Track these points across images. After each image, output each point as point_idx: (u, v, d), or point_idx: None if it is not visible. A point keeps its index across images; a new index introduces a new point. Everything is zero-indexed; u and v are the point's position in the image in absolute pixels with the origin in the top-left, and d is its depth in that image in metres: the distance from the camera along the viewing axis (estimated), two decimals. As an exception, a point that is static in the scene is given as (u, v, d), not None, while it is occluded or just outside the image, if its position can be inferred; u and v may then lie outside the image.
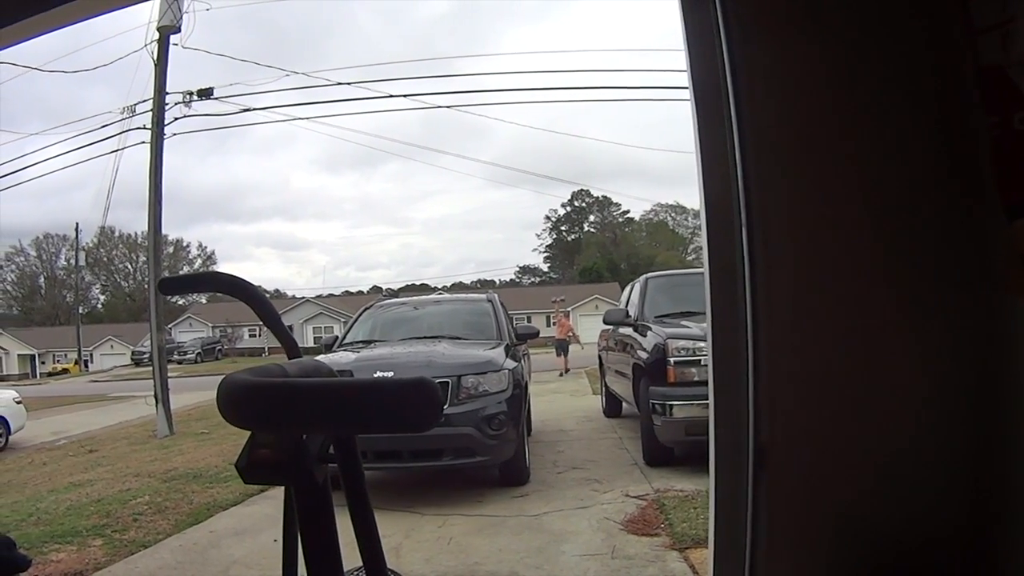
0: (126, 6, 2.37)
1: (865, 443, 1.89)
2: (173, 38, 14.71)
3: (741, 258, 1.90)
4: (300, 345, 1.69)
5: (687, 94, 2.06)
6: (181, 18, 14.71)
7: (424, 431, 1.11)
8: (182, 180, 71.44)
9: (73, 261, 55.84)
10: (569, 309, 24.13)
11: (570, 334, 24.85)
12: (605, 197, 71.34)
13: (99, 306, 63.74)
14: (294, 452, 1.23)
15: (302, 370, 1.39)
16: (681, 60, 2.08)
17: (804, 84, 1.90)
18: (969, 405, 1.87)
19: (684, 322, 7.84)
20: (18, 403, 14.35)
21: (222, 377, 1.20)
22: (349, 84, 19.61)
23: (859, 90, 1.88)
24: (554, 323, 25.64)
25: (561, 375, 21.73)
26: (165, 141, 15.03)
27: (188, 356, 43.45)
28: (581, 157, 77.40)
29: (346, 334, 9.00)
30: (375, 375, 5.97)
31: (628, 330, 8.90)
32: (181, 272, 49.60)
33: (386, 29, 73.79)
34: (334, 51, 73.51)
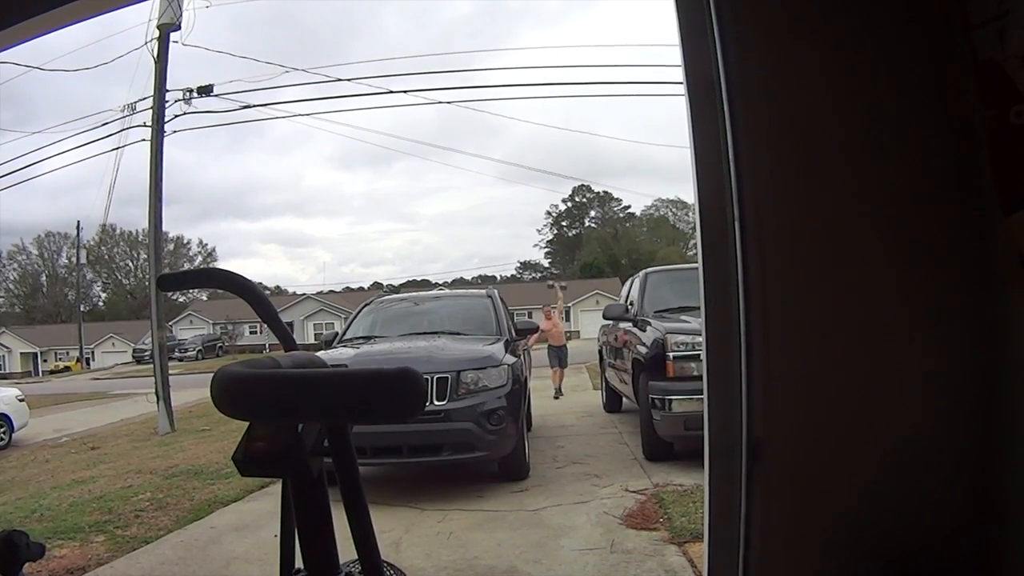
0: (125, 5, 2.39)
1: (860, 440, 1.89)
2: (174, 35, 14.72)
3: (735, 254, 1.91)
4: (301, 342, 1.70)
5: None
6: (181, 16, 14.70)
7: (408, 420, 1.14)
8: (198, 177, 72.89)
9: (74, 259, 55.78)
10: (556, 306, 15.21)
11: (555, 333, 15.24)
12: (606, 192, 71.31)
13: (100, 304, 63.62)
14: (289, 445, 1.26)
15: (294, 363, 1.41)
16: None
17: (798, 80, 1.90)
18: (968, 401, 1.87)
19: (683, 317, 7.86)
20: (21, 401, 14.38)
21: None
22: (349, 80, 19.42)
23: (854, 85, 1.89)
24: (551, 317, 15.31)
25: (558, 397, 14.53)
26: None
27: (189, 353, 43.37)
28: (591, 154, 77.98)
29: (346, 330, 9.00)
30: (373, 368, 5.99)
31: (628, 325, 8.89)
32: (181, 269, 49.60)
33: (410, 30, 73.84)
34: (359, 52, 74.34)
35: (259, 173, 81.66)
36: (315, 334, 41.07)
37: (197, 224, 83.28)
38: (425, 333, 8.48)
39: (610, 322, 10.09)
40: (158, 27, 14.43)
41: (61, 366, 47.70)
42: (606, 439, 9.38)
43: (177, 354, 39.83)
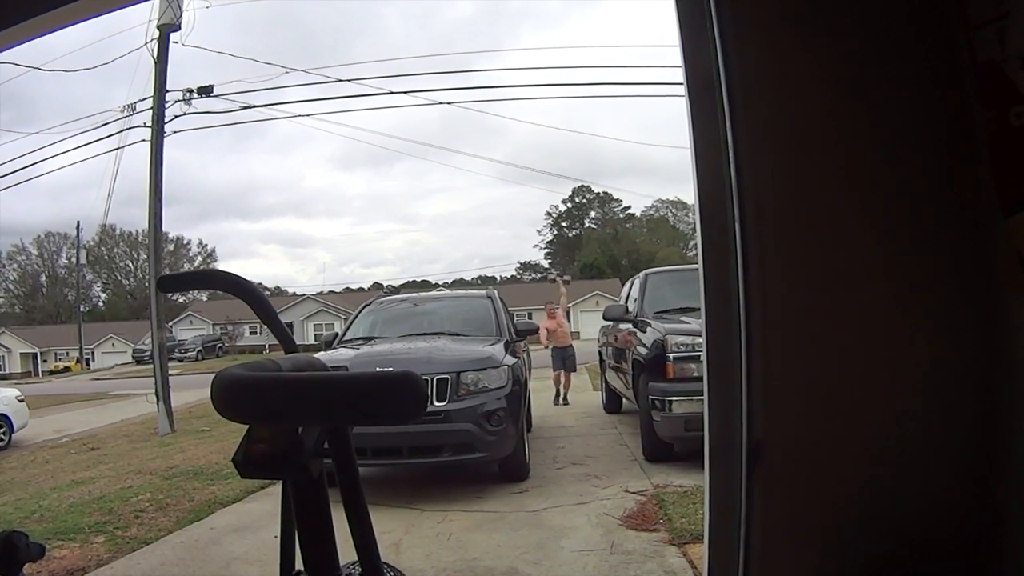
0: (126, 6, 2.39)
1: (860, 440, 1.89)
2: (174, 36, 14.72)
3: (735, 254, 1.91)
4: (301, 342, 1.70)
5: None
6: (181, 16, 14.70)
7: (409, 423, 1.14)
8: (199, 177, 72.85)
9: (74, 259, 55.72)
10: (560, 303, 14.74)
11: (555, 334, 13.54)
12: (606, 193, 71.25)
13: (100, 304, 63.54)
14: (290, 446, 1.26)
15: (295, 365, 1.40)
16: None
17: (798, 80, 1.90)
18: (968, 401, 1.86)
19: (683, 318, 7.85)
20: (21, 401, 14.39)
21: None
22: (350, 81, 19.52)
23: (854, 85, 1.88)
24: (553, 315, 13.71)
25: (558, 401, 13.43)
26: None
27: (189, 354, 43.33)
28: (591, 154, 78.31)
29: (346, 331, 9.02)
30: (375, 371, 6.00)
31: (628, 326, 8.90)
32: (181, 269, 49.64)
33: (411, 31, 74.01)
34: (360, 52, 74.87)
35: (260, 173, 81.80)
36: (315, 335, 41.08)
37: (197, 224, 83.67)
38: (425, 334, 8.49)
39: (610, 323, 10.10)
40: (158, 27, 14.44)
41: (61, 366, 47.66)
42: (606, 440, 9.38)
43: (177, 355, 39.82)
